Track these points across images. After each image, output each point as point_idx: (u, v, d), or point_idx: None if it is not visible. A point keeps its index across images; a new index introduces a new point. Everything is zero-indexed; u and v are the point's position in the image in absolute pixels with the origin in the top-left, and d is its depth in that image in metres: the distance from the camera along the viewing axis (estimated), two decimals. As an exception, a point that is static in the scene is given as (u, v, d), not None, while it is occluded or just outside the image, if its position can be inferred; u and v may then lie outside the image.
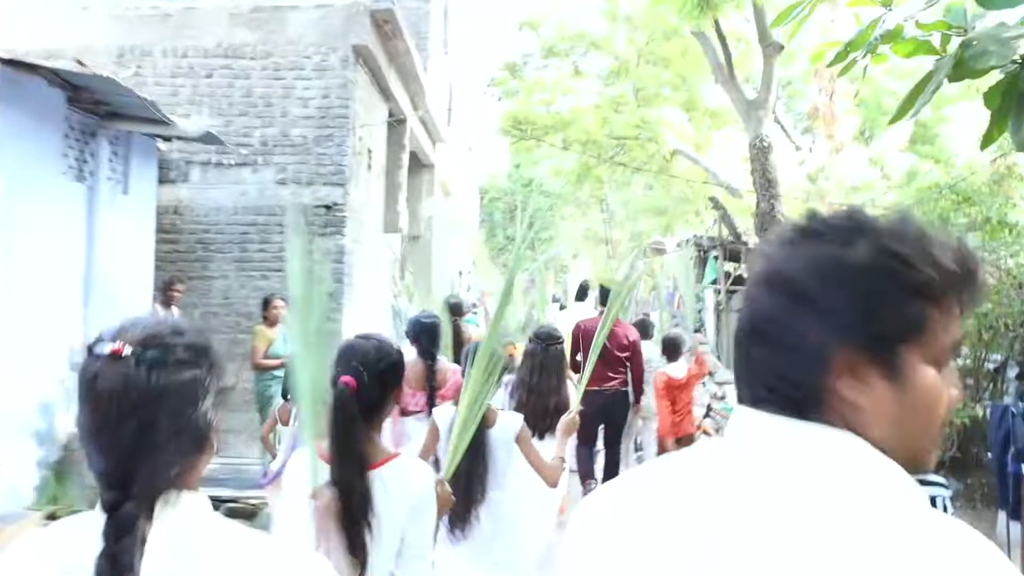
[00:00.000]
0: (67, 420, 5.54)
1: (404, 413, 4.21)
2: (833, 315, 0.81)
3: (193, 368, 1.11)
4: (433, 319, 4.60)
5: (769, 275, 0.87)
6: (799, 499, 0.78)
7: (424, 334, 4.40)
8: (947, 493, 4.71)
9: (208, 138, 7.07)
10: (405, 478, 2.02)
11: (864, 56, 2.81)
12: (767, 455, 0.82)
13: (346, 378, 2.00)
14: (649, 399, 6.69)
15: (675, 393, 6.43)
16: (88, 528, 1.05)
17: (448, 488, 2.58)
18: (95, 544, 1.02)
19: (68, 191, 5.84)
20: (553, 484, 3.35)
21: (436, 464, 3.18)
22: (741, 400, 0.89)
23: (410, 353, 4.33)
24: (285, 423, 4.67)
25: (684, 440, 6.44)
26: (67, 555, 1.06)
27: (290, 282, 1.99)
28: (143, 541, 1.03)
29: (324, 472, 1.99)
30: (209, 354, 1.15)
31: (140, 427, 1.05)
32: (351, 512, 1.93)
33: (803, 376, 0.82)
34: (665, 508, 0.85)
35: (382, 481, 1.98)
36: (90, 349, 1.09)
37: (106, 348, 1.07)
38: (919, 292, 0.81)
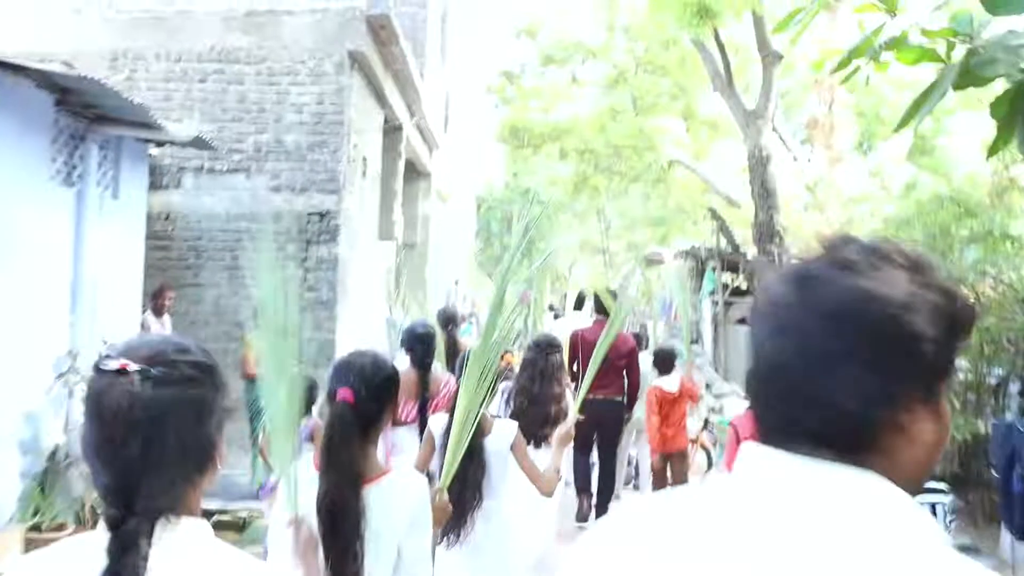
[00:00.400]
0: (53, 430, 5.44)
1: (395, 423, 4.16)
2: (899, 351, 0.80)
3: (198, 386, 1.13)
4: (427, 329, 4.60)
5: (815, 305, 0.83)
6: (818, 540, 0.77)
7: (418, 343, 4.42)
8: (947, 500, 4.68)
9: (198, 143, 6.99)
10: (401, 492, 2.01)
11: (867, 63, 2.75)
12: (791, 498, 0.80)
13: (343, 393, 1.99)
14: (642, 411, 6.60)
15: (667, 407, 6.33)
16: (91, 546, 1.06)
17: (446, 497, 2.60)
18: (99, 561, 1.03)
19: (56, 196, 5.74)
20: (547, 494, 3.37)
21: (429, 477, 3.14)
22: (766, 435, 0.85)
23: (403, 363, 4.31)
24: None
25: (676, 455, 6.36)
26: (71, 573, 1.07)
27: (260, 300, 1.95)
28: (145, 559, 1.03)
29: (310, 490, 1.95)
30: (214, 372, 1.17)
31: (144, 444, 1.06)
32: (343, 531, 1.90)
33: (865, 410, 0.80)
34: (673, 546, 0.84)
35: (378, 496, 1.97)
36: (96, 366, 1.11)
37: (112, 365, 1.08)
38: (960, 330, 0.84)
